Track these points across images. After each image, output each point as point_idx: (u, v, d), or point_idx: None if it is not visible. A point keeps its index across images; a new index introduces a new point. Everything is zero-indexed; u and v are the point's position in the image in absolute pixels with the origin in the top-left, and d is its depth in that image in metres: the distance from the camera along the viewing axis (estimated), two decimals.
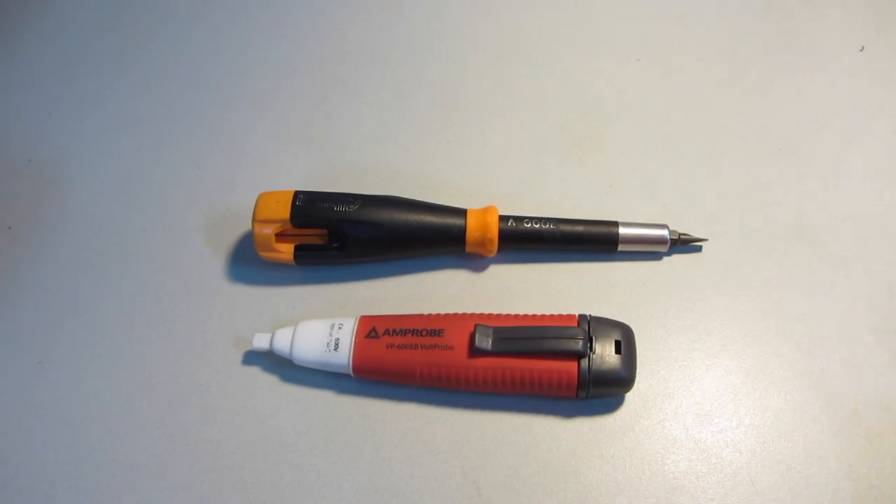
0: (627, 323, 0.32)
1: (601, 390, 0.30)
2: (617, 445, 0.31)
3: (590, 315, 0.31)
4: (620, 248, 0.36)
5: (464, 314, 0.32)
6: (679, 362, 0.33)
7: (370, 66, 0.44)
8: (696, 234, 0.36)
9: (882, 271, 0.35)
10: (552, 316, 0.32)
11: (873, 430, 0.31)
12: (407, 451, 0.31)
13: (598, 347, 0.30)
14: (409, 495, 0.30)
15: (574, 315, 0.31)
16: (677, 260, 0.36)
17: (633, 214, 0.37)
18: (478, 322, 0.31)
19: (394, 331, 0.31)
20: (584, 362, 0.30)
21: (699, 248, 0.36)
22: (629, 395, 0.32)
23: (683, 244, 0.36)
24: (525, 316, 0.32)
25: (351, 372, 0.32)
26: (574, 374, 0.30)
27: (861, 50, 0.44)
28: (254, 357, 0.34)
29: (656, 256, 0.36)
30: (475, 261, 0.36)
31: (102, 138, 0.42)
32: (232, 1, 0.48)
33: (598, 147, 0.40)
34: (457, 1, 0.47)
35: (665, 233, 0.36)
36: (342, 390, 0.32)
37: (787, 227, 0.37)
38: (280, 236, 0.35)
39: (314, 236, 0.35)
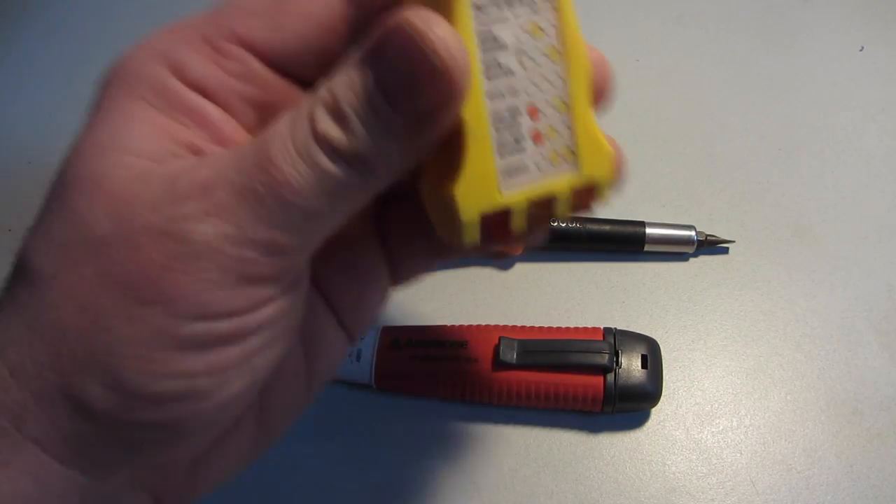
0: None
1: (627, 405, 0.30)
2: (617, 446, 0.31)
3: (615, 328, 0.31)
4: (647, 248, 0.36)
5: (487, 326, 0.32)
6: (679, 362, 0.33)
7: None
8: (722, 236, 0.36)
9: (882, 271, 0.35)
10: (577, 329, 0.31)
11: (873, 430, 0.31)
12: (407, 451, 0.31)
13: (624, 361, 0.30)
14: (409, 496, 0.30)
15: (599, 328, 0.31)
16: (680, 262, 0.36)
17: (633, 215, 0.37)
18: (502, 334, 0.31)
19: (417, 342, 0.31)
20: (611, 377, 0.30)
21: (726, 250, 0.36)
22: None
23: (710, 245, 0.36)
24: (550, 328, 0.32)
25: (373, 384, 0.31)
26: (600, 388, 0.30)
27: (861, 50, 0.44)
28: None
29: (682, 258, 0.36)
30: (500, 259, 0.36)
31: None
32: None
33: None
34: None
35: (692, 234, 0.35)
36: (335, 390, 0.32)
37: (787, 227, 0.37)
38: None
39: None
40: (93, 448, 0.17)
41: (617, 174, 0.19)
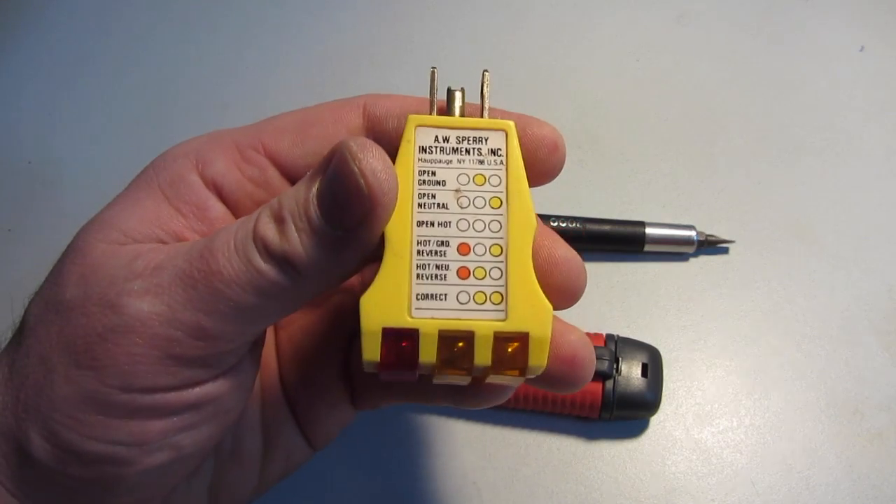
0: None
1: (625, 413, 0.30)
2: (617, 446, 0.31)
3: (617, 335, 0.31)
4: (647, 248, 0.35)
5: None
6: (679, 362, 0.33)
7: (370, 66, 0.44)
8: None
9: (882, 271, 0.35)
10: None
11: (873, 430, 0.31)
12: (407, 452, 0.31)
13: (624, 369, 0.30)
14: (409, 496, 0.30)
15: (601, 334, 0.31)
16: (680, 262, 0.36)
17: (633, 215, 0.37)
18: None
19: None
20: (609, 384, 0.30)
21: (726, 250, 0.36)
22: None
23: (710, 245, 0.36)
24: None
25: None
26: (598, 395, 0.30)
27: (861, 50, 0.44)
28: None
29: (682, 258, 0.36)
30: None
31: (102, 139, 0.42)
32: (231, 1, 0.48)
33: (598, 148, 0.40)
34: (457, 1, 0.47)
35: (692, 234, 0.35)
36: None
37: (787, 227, 0.37)
38: None
39: None
40: (36, 490, 0.18)
41: (550, 333, 0.18)
